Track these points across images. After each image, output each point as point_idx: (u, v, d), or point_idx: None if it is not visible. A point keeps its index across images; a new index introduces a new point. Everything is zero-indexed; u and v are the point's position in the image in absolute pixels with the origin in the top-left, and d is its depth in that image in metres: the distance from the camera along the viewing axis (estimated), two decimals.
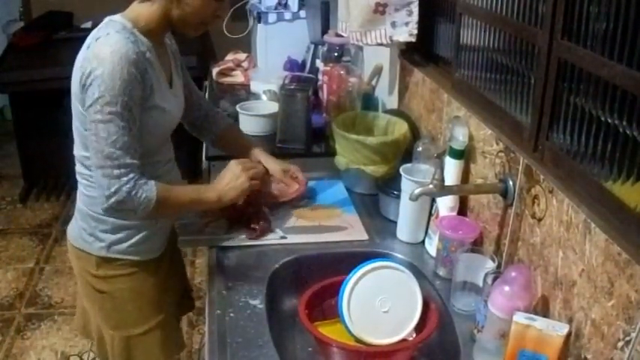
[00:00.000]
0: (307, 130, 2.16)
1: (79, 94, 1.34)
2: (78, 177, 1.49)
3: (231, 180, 1.48)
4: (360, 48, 2.42)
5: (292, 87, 2.16)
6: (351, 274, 1.24)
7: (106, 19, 1.38)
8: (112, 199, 1.32)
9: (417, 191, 1.36)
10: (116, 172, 1.31)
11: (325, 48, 2.56)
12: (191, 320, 2.90)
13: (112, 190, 1.31)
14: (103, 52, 1.28)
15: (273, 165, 1.68)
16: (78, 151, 1.45)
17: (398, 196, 1.63)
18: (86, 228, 1.49)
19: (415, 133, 1.92)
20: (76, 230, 1.53)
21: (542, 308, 1.20)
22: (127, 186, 1.32)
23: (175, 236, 1.70)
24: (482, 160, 1.49)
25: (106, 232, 1.48)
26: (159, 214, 1.44)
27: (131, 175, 1.32)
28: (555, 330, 1.05)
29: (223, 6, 1.44)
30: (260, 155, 1.71)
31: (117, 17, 1.37)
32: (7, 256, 3.43)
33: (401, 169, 1.59)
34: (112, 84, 1.27)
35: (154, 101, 1.38)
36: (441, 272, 1.48)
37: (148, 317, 1.57)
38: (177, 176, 1.62)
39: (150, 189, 1.35)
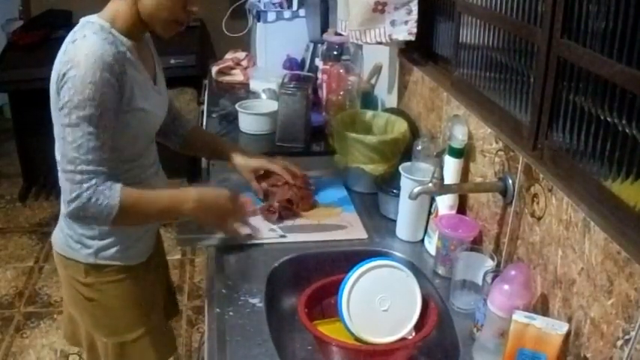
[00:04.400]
0: (307, 129, 2.16)
1: (55, 98, 1.30)
2: (61, 183, 1.44)
3: (213, 213, 1.48)
4: (360, 46, 2.42)
5: (292, 86, 2.16)
6: (350, 273, 1.24)
7: (83, 21, 1.34)
8: (72, 205, 1.28)
9: (416, 190, 1.36)
10: (78, 177, 1.27)
11: (324, 46, 2.56)
12: (190, 319, 2.91)
13: (73, 195, 1.27)
14: (78, 55, 1.24)
15: (274, 166, 1.74)
16: (57, 156, 1.38)
17: (397, 195, 1.63)
18: (72, 235, 1.46)
19: (414, 132, 1.92)
20: (61, 238, 1.50)
21: (541, 307, 1.20)
22: (87, 192, 1.27)
23: (161, 239, 1.70)
24: (482, 158, 1.48)
25: (93, 239, 1.45)
26: (124, 222, 1.36)
27: (93, 182, 1.27)
28: (555, 329, 1.05)
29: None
30: (252, 162, 1.74)
31: (94, 18, 1.33)
32: (6, 255, 3.43)
33: (400, 168, 1.59)
34: (81, 88, 1.23)
35: (136, 104, 1.34)
36: (441, 271, 1.48)
37: (140, 322, 1.55)
38: (163, 178, 1.59)
39: (112, 195, 1.29)
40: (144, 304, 1.56)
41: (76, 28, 1.32)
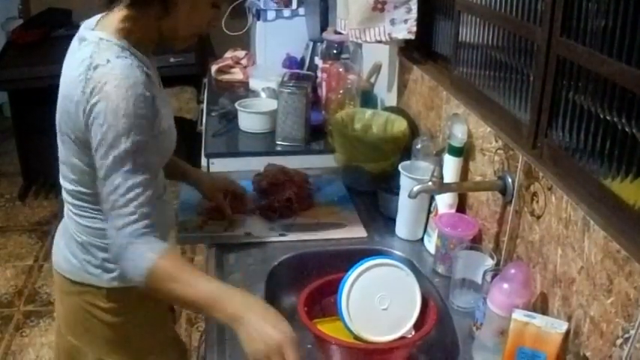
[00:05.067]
0: (306, 128, 2.16)
1: (77, 128, 1.21)
2: (74, 209, 1.36)
3: (255, 341, 1.08)
4: (359, 45, 2.41)
5: (291, 84, 2.16)
6: (349, 272, 1.24)
7: (93, 38, 1.21)
8: (112, 253, 1.19)
9: (416, 188, 1.36)
10: (119, 222, 1.15)
11: (324, 45, 2.56)
12: (190, 318, 2.91)
13: (110, 240, 1.18)
14: (107, 85, 1.14)
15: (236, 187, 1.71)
16: (68, 184, 1.34)
17: (397, 194, 1.63)
18: (92, 260, 1.37)
19: (414, 131, 1.92)
20: (76, 264, 1.39)
21: (541, 305, 1.20)
22: (123, 240, 1.15)
23: None
24: (482, 157, 1.48)
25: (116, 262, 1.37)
26: (152, 291, 1.19)
27: (133, 228, 1.15)
28: (554, 327, 1.05)
29: (219, 14, 1.30)
30: (218, 182, 1.69)
31: (107, 35, 1.21)
32: (5, 254, 3.43)
33: (400, 167, 1.59)
34: (114, 122, 1.13)
35: (163, 125, 1.28)
36: (440, 269, 1.48)
37: (158, 339, 1.52)
38: (166, 190, 1.52)
39: (146, 257, 1.14)
40: (158, 320, 1.53)
41: (90, 50, 1.19)
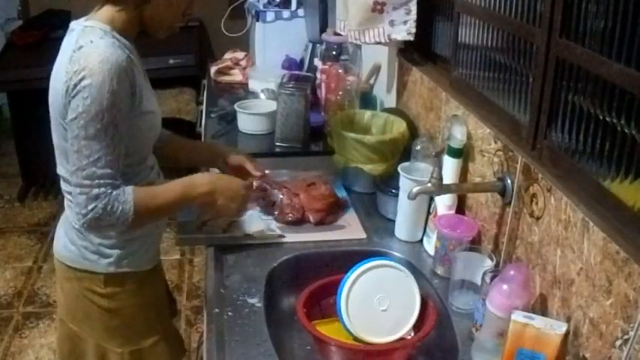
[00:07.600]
0: (305, 129, 2.16)
1: (62, 110, 1.26)
2: (70, 196, 1.36)
3: (227, 196, 1.43)
4: (359, 46, 2.42)
5: (290, 86, 2.16)
6: (349, 273, 1.24)
7: (79, 27, 1.30)
8: (88, 217, 1.25)
9: (415, 190, 1.36)
10: (95, 191, 1.24)
11: (323, 46, 2.56)
12: (189, 319, 2.91)
13: (89, 208, 1.24)
14: (91, 62, 1.20)
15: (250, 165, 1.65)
16: (64, 172, 1.37)
17: (396, 195, 1.63)
18: (88, 246, 1.41)
19: (413, 132, 1.92)
20: (74, 251, 1.43)
21: (540, 307, 1.20)
22: (103, 202, 1.24)
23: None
24: (481, 158, 1.48)
25: (112, 248, 1.41)
26: (141, 222, 1.35)
27: (108, 191, 1.25)
28: (553, 329, 1.05)
29: (192, 3, 1.39)
30: (237, 159, 1.64)
31: (91, 23, 1.29)
32: (5, 255, 3.42)
33: (399, 168, 1.59)
34: (99, 97, 1.19)
35: (145, 106, 1.33)
36: (440, 271, 1.48)
37: (155, 327, 1.53)
38: (162, 179, 1.54)
39: (126, 199, 1.27)
40: (158, 309, 1.55)
41: (76, 35, 1.27)
